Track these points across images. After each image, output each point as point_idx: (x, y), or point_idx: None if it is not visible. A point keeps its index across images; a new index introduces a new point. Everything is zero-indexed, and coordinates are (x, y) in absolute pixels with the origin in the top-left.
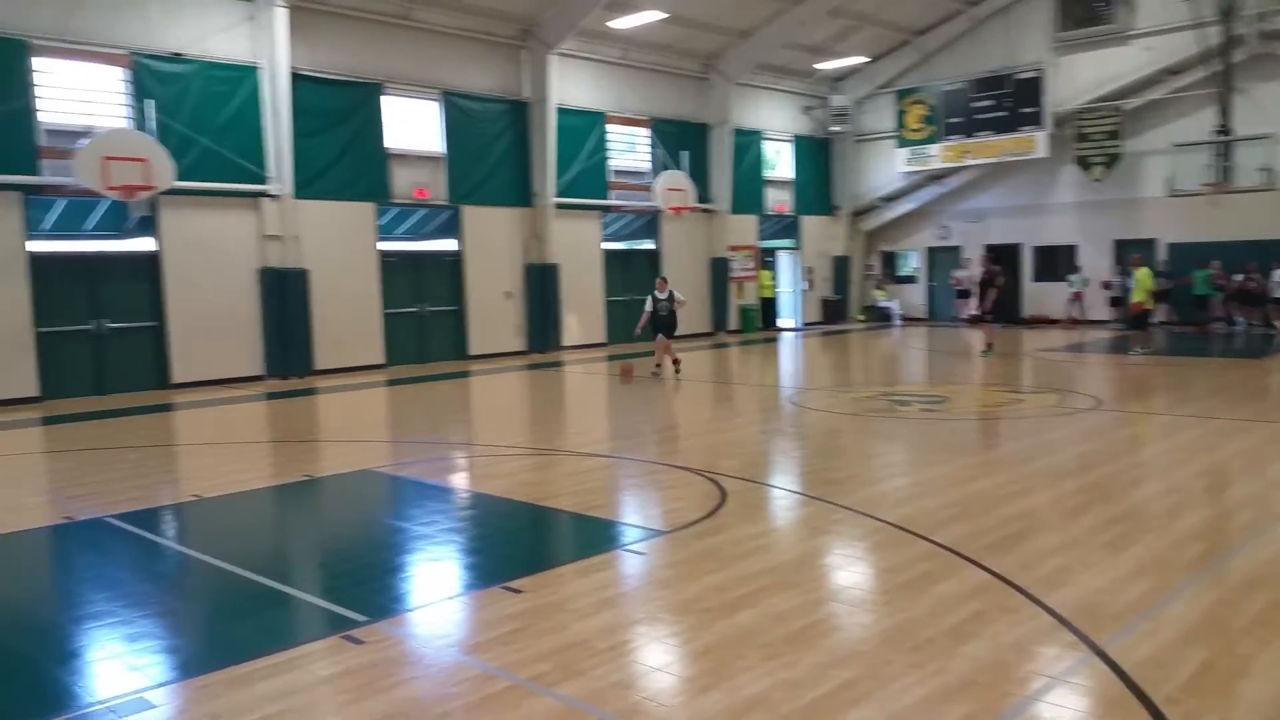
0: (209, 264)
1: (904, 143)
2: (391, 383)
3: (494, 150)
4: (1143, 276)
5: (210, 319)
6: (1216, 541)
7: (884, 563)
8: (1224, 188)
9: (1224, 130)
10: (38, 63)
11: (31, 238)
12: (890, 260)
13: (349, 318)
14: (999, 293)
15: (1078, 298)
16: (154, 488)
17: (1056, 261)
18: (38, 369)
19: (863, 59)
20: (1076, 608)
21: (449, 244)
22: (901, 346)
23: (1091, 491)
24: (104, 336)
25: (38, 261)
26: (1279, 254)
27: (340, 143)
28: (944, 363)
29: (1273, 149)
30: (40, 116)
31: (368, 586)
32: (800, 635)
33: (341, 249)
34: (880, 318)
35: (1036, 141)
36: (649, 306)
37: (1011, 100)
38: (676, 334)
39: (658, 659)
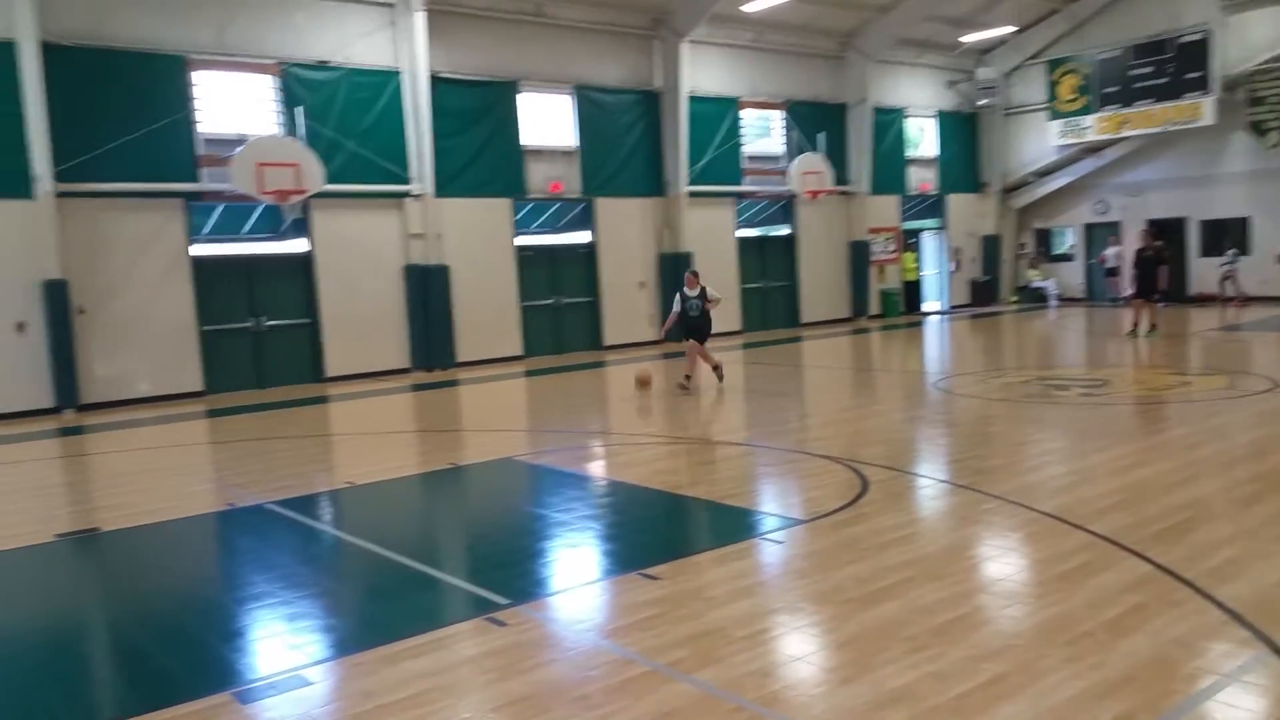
0: (357, 262)
1: (1056, 115)
2: (529, 373)
3: (626, 141)
4: None
5: (359, 315)
6: None
7: (1038, 554)
8: None
9: None
10: (195, 76)
11: (193, 242)
12: (1044, 238)
13: (488, 311)
14: (1162, 269)
15: (1230, 276)
16: (309, 475)
17: (1225, 236)
18: (202, 365)
19: (1010, 29)
20: (1250, 602)
21: (583, 236)
22: (1057, 328)
23: (1267, 479)
24: (262, 333)
25: (199, 264)
26: None
27: (478, 141)
28: (1103, 345)
29: None
30: (199, 127)
31: (509, 571)
32: (947, 628)
33: (480, 244)
34: (1034, 299)
35: (1203, 108)
36: (677, 306)
37: (1174, 65)
38: (711, 334)
39: (797, 648)
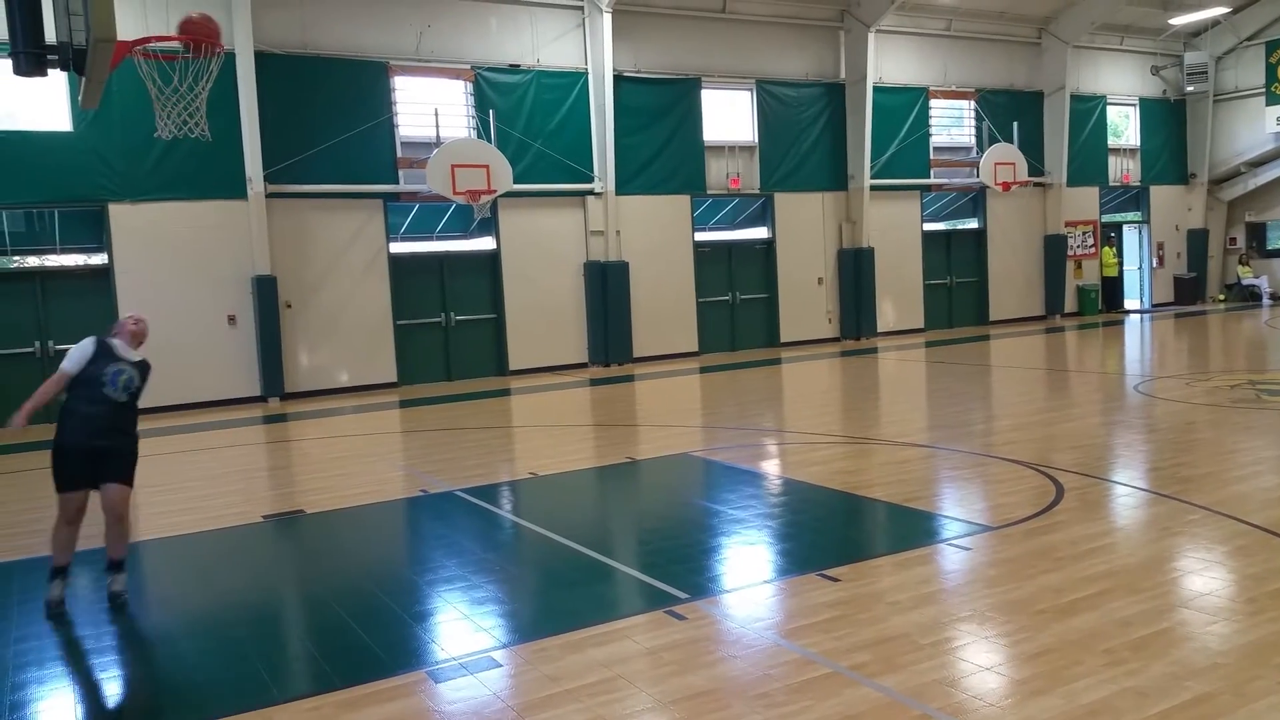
0: (541, 260)
1: (1274, 100)
2: (705, 370)
3: (807, 136)
4: None
5: (542, 311)
6: None
7: (1248, 569)
8: None
9: None
10: (396, 81)
11: (391, 240)
12: (1257, 232)
13: (665, 307)
14: None
15: None
16: (495, 465)
17: None
18: (396, 357)
19: (1223, 9)
20: None
21: (760, 232)
22: (1270, 329)
23: None
24: (451, 328)
25: (395, 261)
26: None
27: (660, 139)
28: None
29: None
30: (399, 130)
31: (687, 565)
32: (1147, 642)
33: (659, 241)
34: (1245, 297)
35: None
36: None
37: None
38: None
39: (985, 658)
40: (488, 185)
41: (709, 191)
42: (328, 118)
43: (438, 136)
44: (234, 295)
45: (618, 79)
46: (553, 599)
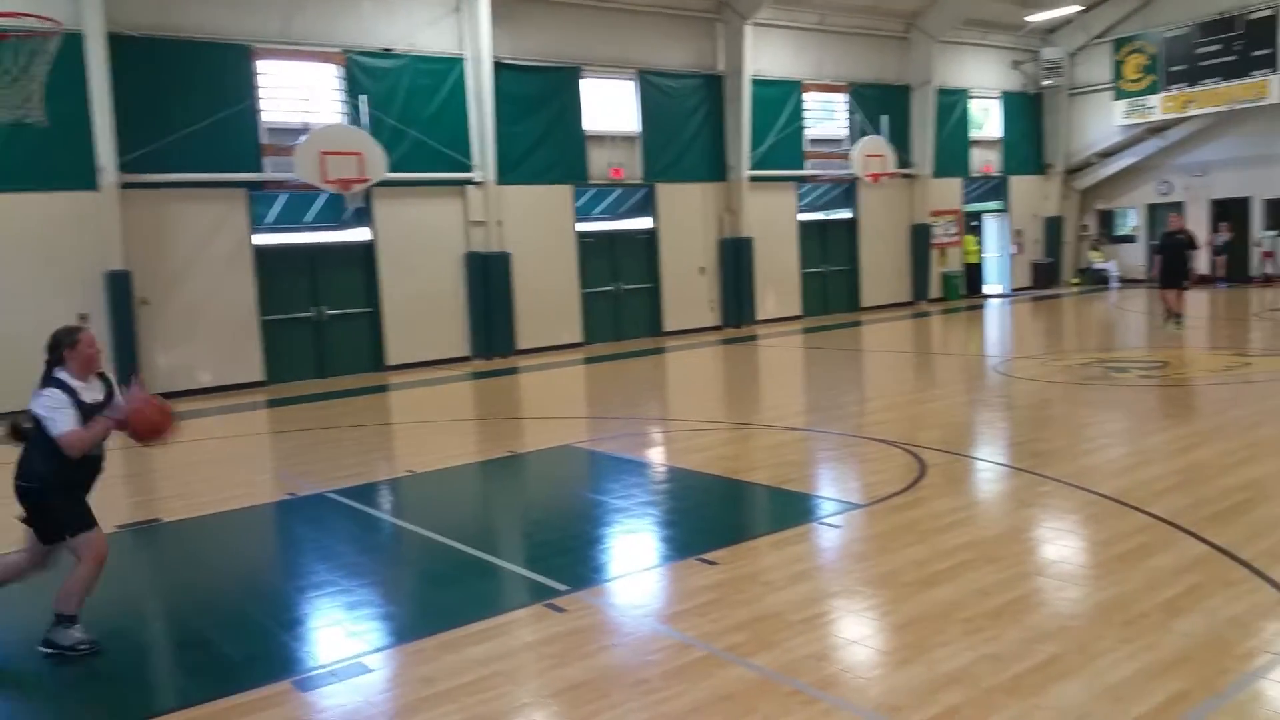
0: (419, 251)
1: (1121, 94)
2: (589, 360)
3: (688, 126)
4: None
5: (420, 303)
6: None
7: (1096, 536)
8: None
9: None
10: (260, 65)
11: (256, 231)
12: (1107, 219)
13: (548, 298)
14: (1191, 255)
15: (1269, 256)
16: (370, 464)
17: None
18: (263, 355)
19: (1076, 8)
20: None
21: (643, 222)
22: (1118, 310)
23: None
24: (323, 323)
25: (262, 254)
26: None
27: (540, 127)
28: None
29: None
30: (263, 116)
31: (568, 557)
32: (1004, 610)
33: (541, 231)
34: (1096, 280)
35: (1270, 86)
36: None
37: (1242, 43)
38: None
39: (854, 632)
40: (360, 174)
41: (591, 181)
42: (187, 103)
43: (306, 123)
44: (85, 292)
45: (497, 66)
46: (429, 599)
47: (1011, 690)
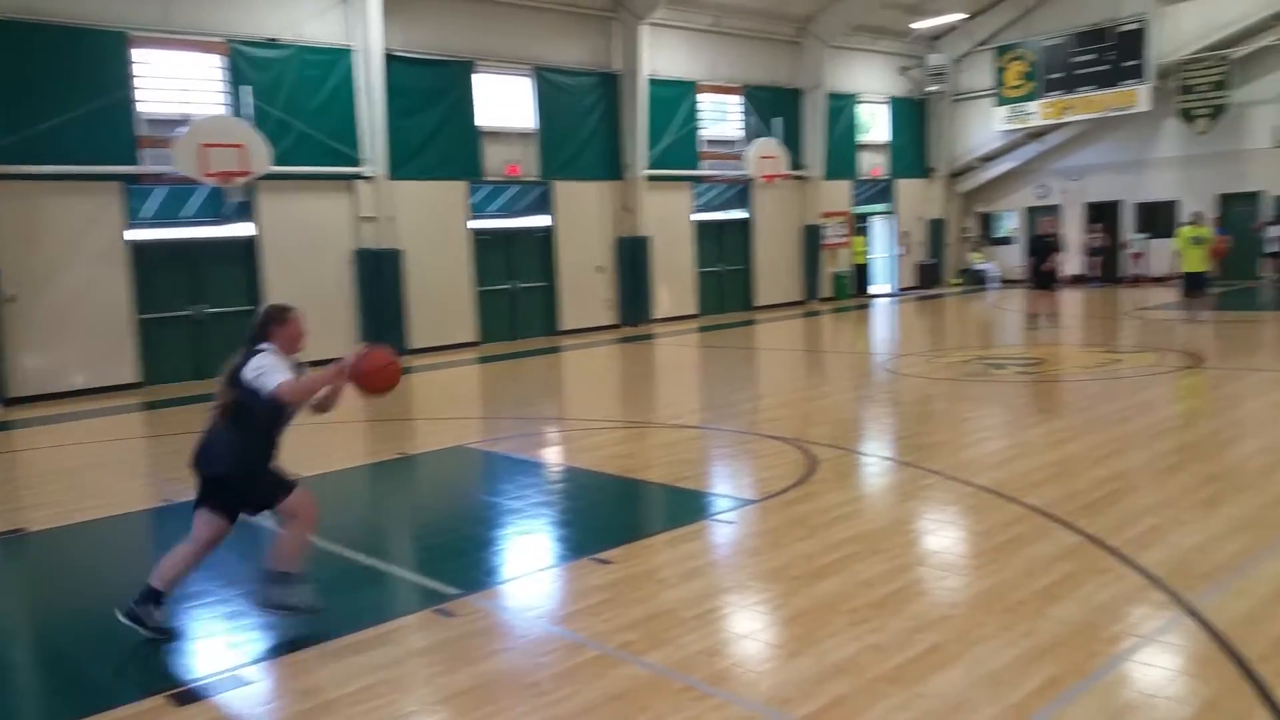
0: (306, 247)
1: (1003, 101)
2: (484, 360)
3: (585, 124)
4: (1185, 237)
5: (307, 302)
6: None
7: (975, 527)
8: None
9: None
10: (136, 54)
11: (132, 226)
12: (987, 222)
13: (442, 296)
14: (1057, 257)
15: (1139, 258)
16: None
17: (1157, 218)
18: (138, 355)
19: (960, 16)
20: (1169, 567)
21: (540, 220)
22: (997, 309)
23: (1187, 451)
24: (203, 322)
25: (138, 249)
26: None
27: (433, 122)
28: (1040, 325)
29: None
30: (139, 107)
31: (460, 560)
32: (888, 600)
33: (435, 228)
34: (976, 281)
35: (1138, 95)
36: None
37: (1114, 53)
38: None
39: (745, 626)
40: (243, 167)
41: (487, 178)
42: (57, 92)
43: (186, 114)
44: None
45: (388, 58)
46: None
47: (895, 679)
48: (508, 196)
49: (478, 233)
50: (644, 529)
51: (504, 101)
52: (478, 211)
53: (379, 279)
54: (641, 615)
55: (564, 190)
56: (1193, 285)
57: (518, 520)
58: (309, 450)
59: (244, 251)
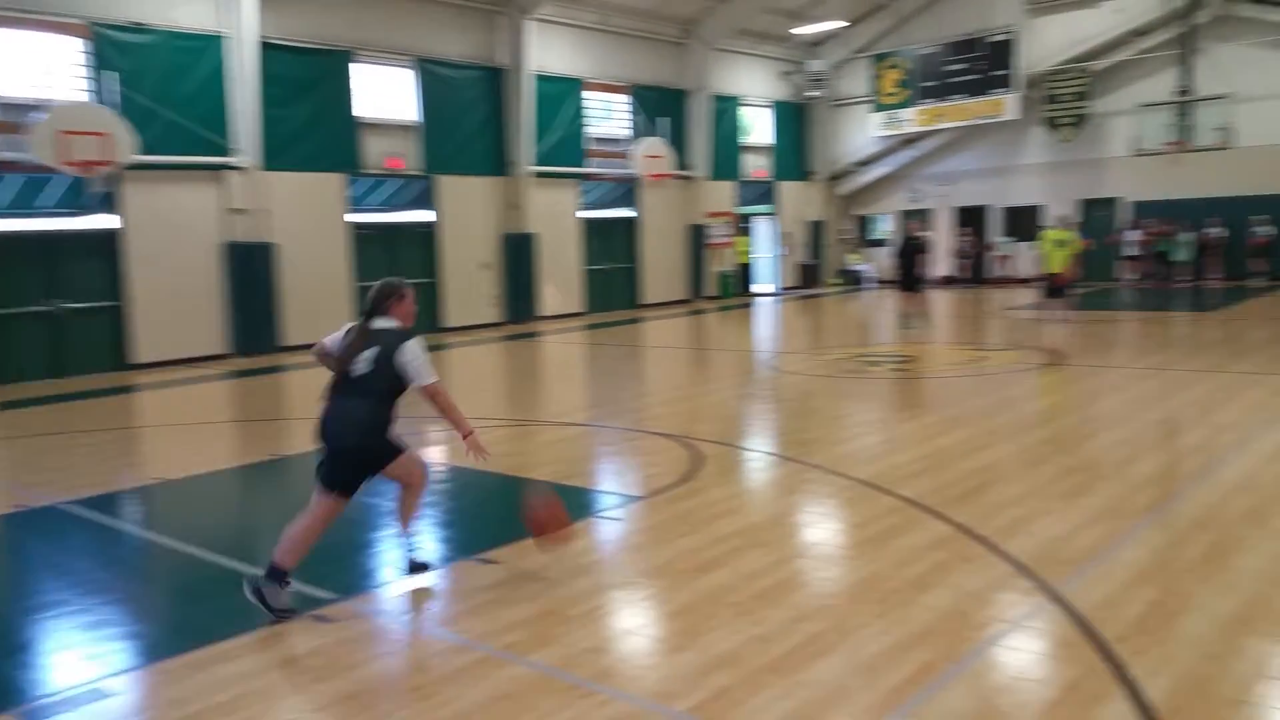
0: (172, 240)
1: (879, 107)
2: None
3: (470, 118)
4: (1049, 239)
5: (173, 297)
6: (1166, 487)
7: (852, 519)
8: (1185, 146)
9: (1185, 90)
10: None
11: None
12: (864, 224)
13: (318, 292)
14: (921, 259)
15: (1006, 260)
16: (114, 472)
17: (1022, 222)
18: None
19: (840, 23)
20: (1034, 555)
21: (424, 215)
22: (873, 309)
23: (1051, 443)
24: (60, 318)
25: None
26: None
27: (309, 112)
28: (912, 324)
29: (1230, 109)
30: None
31: (337, 564)
32: (770, 592)
33: (311, 221)
34: (854, 281)
35: (1006, 104)
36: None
37: (984, 63)
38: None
39: (631, 622)
40: (106, 156)
41: (366, 171)
42: None
43: (44, 99)
44: None
45: (263, 46)
46: (180, 616)
47: (777, 669)
48: (389, 190)
49: (357, 227)
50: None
51: (385, 93)
52: (357, 205)
53: (250, 274)
54: (527, 614)
55: (448, 185)
56: (1055, 287)
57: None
58: (176, 451)
59: (106, 244)
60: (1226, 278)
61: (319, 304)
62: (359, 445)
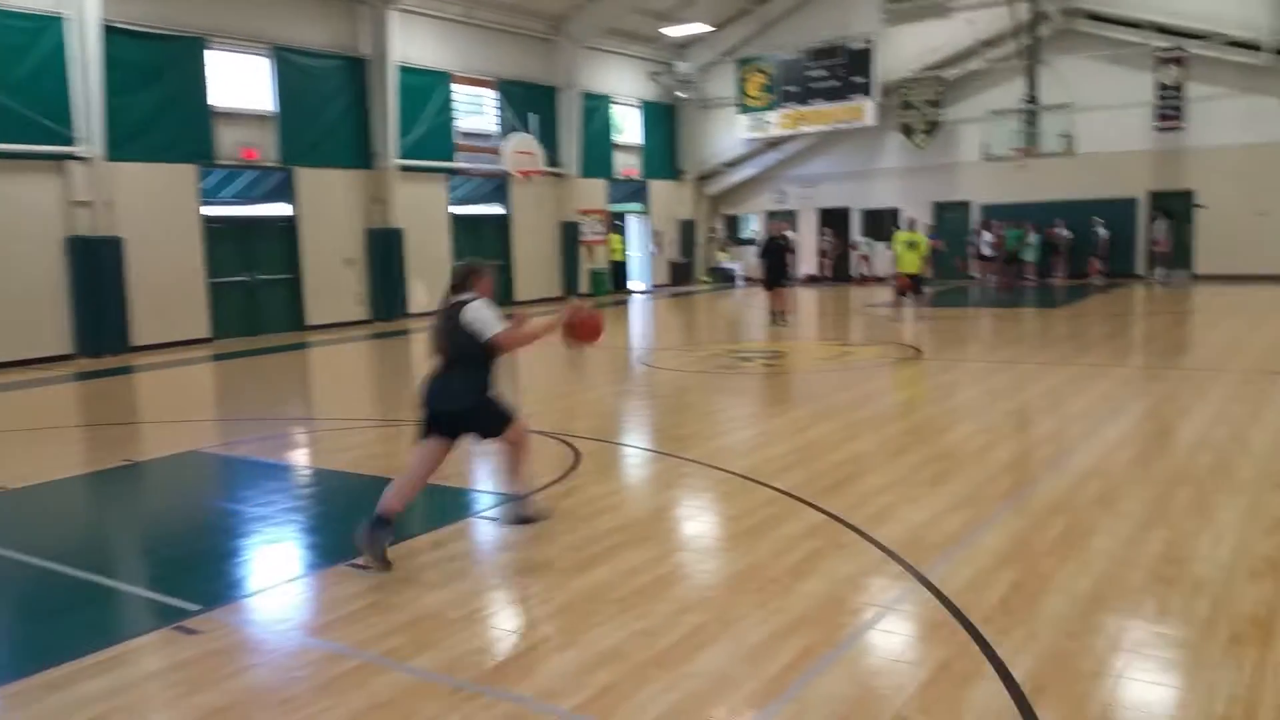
0: (9, 234)
1: (745, 110)
2: (219, 357)
3: (331, 109)
4: (900, 241)
5: (11, 295)
6: (1022, 474)
7: (729, 511)
8: (1030, 153)
9: (1031, 99)
10: None
11: None
12: (733, 224)
13: (170, 289)
14: (789, 257)
15: (865, 259)
16: None
17: (882, 224)
18: None
19: (707, 26)
20: (902, 541)
21: (282, 208)
22: (744, 307)
23: (913, 434)
24: None
25: None
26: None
27: (158, 100)
28: (781, 321)
29: (1072, 117)
30: None
31: (201, 573)
32: (651, 586)
33: (161, 215)
34: (724, 279)
35: (865, 110)
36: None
37: (844, 70)
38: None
39: (512, 623)
40: None
41: (220, 162)
42: None
43: None
44: None
45: (107, 30)
46: (31, 633)
47: (661, 662)
48: (245, 182)
49: (210, 220)
50: (405, 530)
51: (240, 81)
52: (210, 197)
53: (95, 270)
54: (405, 619)
55: (308, 177)
56: (902, 288)
57: (264, 528)
58: (18, 459)
59: None
60: (1070, 276)
61: (172, 301)
62: (462, 409)
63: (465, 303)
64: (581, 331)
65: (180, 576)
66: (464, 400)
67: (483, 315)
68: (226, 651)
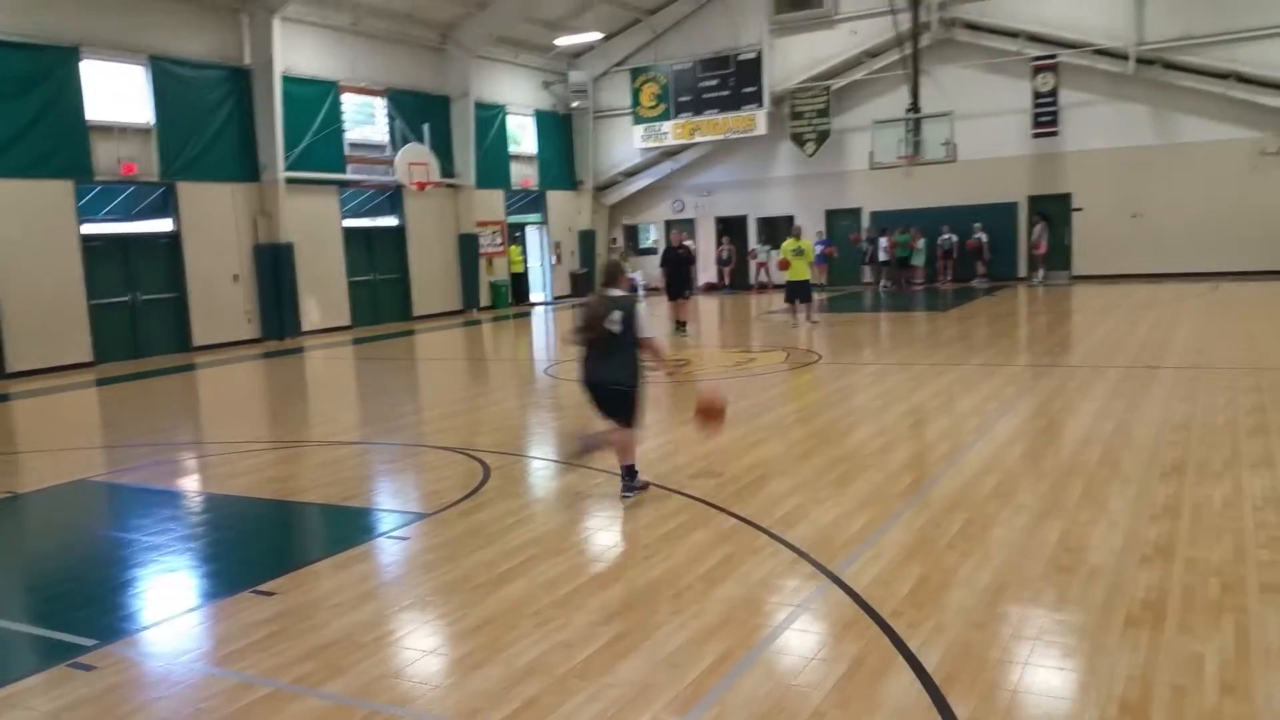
0: None
1: (639, 120)
2: (102, 382)
3: (213, 121)
4: (788, 250)
5: None
6: (921, 472)
7: (643, 520)
8: (915, 160)
9: (914, 108)
10: None
11: None
12: (633, 233)
13: (48, 310)
14: (691, 268)
15: (763, 266)
16: None
17: (778, 231)
18: None
19: (598, 36)
20: (812, 541)
21: (163, 224)
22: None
23: (817, 437)
24: None
25: None
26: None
27: (30, 113)
28: (685, 331)
29: (953, 125)
30: None
31: (93, 608)
32: (570, 598)
33: (34, 233)
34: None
35: (757, 119)
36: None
37: (734, 80)
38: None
39: (427, 643)
40: None
41: (97, 178)
42: None
43: None
44: None
45: None
46: None
47: (583, 673)
48: (124, 198)
49: (89, 239)
50: (308, 555)
51: (118, 93)
52: (88, 215)
53: None
54: (315, 645)
55: (189, 192)
56: (796, 292)
57: (159, 558)
58: None
59: None
60: (956, 280)
61: (49, 324)
62: (632, 383)
63: (623, 298)
64: (710, 416)
65: (72, 612)
66: (632, 380)
67: (648, 319)
68: (126, 686)
